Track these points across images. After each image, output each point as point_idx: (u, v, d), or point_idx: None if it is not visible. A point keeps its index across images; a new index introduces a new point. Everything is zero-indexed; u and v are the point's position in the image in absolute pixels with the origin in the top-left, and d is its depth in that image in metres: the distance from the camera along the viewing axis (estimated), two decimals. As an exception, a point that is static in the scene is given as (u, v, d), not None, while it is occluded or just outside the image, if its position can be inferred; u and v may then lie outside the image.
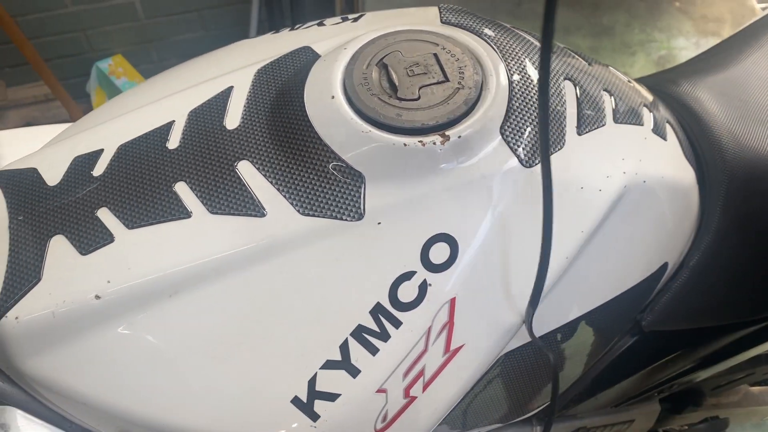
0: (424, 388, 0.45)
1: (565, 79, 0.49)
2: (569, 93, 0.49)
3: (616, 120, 0.51)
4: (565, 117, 0.47)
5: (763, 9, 2.70)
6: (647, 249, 0.56)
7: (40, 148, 0.55)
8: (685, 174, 0.57)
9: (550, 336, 0.54)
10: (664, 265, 0.58)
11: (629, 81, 0.58)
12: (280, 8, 1.84)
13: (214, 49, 0.60)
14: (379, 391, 0.43)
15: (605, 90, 0.52)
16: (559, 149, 0.46)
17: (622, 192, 0.48)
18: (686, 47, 2.55)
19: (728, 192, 0.60)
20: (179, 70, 0.57)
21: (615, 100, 0.52)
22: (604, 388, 0.68)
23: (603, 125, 0.49)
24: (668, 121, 0.58)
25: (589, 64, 0.54)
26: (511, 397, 0.60)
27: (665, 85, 0.67)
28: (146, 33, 1.90)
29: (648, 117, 0.54)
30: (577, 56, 0.54)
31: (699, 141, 0.61)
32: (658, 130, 0.55)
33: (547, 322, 0.52)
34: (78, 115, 1.73)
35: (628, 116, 0.52)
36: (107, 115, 0.54)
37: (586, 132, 0.48)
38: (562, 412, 0.69)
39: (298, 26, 0.58)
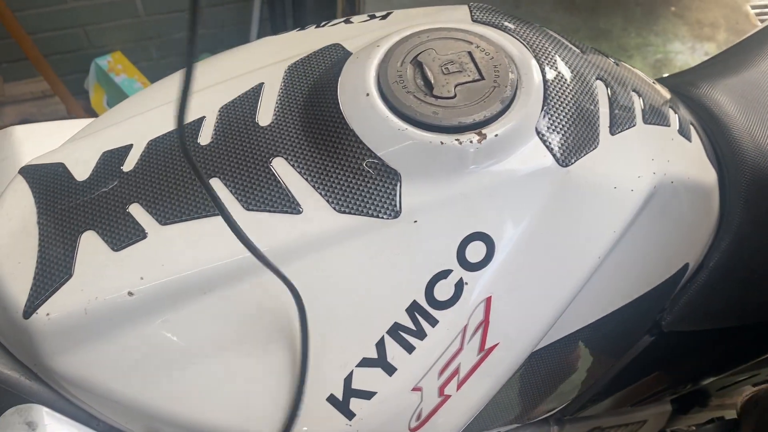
0: (459, 386, 0.45)
1: (596, 79, 0.49)
2: (601, 93, 0.49)
3: (645, 120, 0.51)
4: (598, 117, 0.47)
5: (757, 15, 2.73)
6: (670, 249, 0.56)
7: (63, 143, 0.54)
8: (708, 175, 0.57)
9: (573, 337, 0.54)
10: (685, 266, 0.59)
11: (653, 82, 0.58)
12: (282, 7, 1.83)
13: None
14: (415, 389, 0.43)
15: (634, 90, 0.52)
16: (593, 149, 0.46)
17: (652, 192, 0.49)
18: (682, 51, 2.57)
19: (748, 193, 0.60)
20: (204, 67, 0.57)
21: (643, 100, 0.52)
22: (622, 387, 0.69)
23: (633, 125, 0.49)
24: (691, 123, 0.58)
25: (617, 65, 0.54)
26: (531, 397, 0.60)
27: (684, 87, 0.67)
28: (146, 30, 1.89)
29: (674, 118, 0.55)
30: (605, 57, 0.54)
31: (719, 143, 0.62)
32: (683, 131, 0.55)
33: (573, 321, 0.52)
34: (77, 111, 1.71)
35: (656, 117, 0.52)
36: (132, 110, 0.53)
37: (619, 132, 0.48)
38: (578, 412, 0.69)
39: (324, 23, 0.58)
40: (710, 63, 0.75)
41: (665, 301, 0.61)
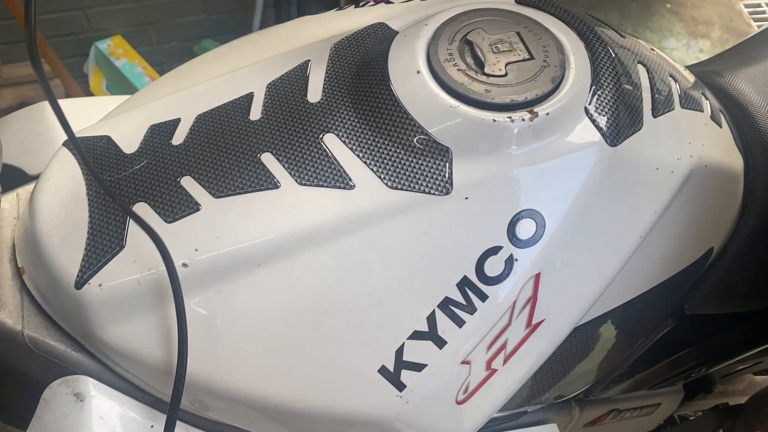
0: (505, 360, 0.46)
1: (637, 62, 0.50)
2: (643, 76, 0.50)
3: (682, 105, 0.52)
4: (641, 99, 0.48)
5: (750, 13, 2.76)
6: (698, 233, 0.57)
7: (101, 117, 0.54)
8: (736, 160, 0.58)
9: (604, 317, 0.55)
10: (710, 250, 0.60)
11: (684, 69, 0.59)
12: (286, -7, 1.83)
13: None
14: (464, 362, 0.44)
15: (670, 76, 0.53)
16: (638, 130, 0.47)
17: (688, 175, 0.50)
18: (677, 48, 2.60)
19: None
20: (244, 45, 0.57)
21: (679, 86, 0.53)
22: (642, 370, 0.70)
23: (672, 109, 0.50)
24: (720, 110, 0.60)
25: (652, 51, 0.55)
26: (558, 376, 0.61)
27: (707, 76, 0.68)
28: (147, 14, 1.87)
29: (706, 104, 0.56)
30: (642, 42, 0.55)
31: (744, 130, 0.63)
32: (715, 117, 0.56)
33: (605, 302, 0.53)
34: (77, 94, 1.69)
35: (691, 102, 0.53)
36: (173, 86, 0.53)
37: (660, 114, 0.49)
38: (599, 394, 0.70)
39: (362, 3, 0.58)
40: (730, 54, 0.76)
41: (689, 284, 0.62)
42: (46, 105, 0.60)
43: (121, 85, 1.78)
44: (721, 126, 0.57)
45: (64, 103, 0.62)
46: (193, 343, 0.43)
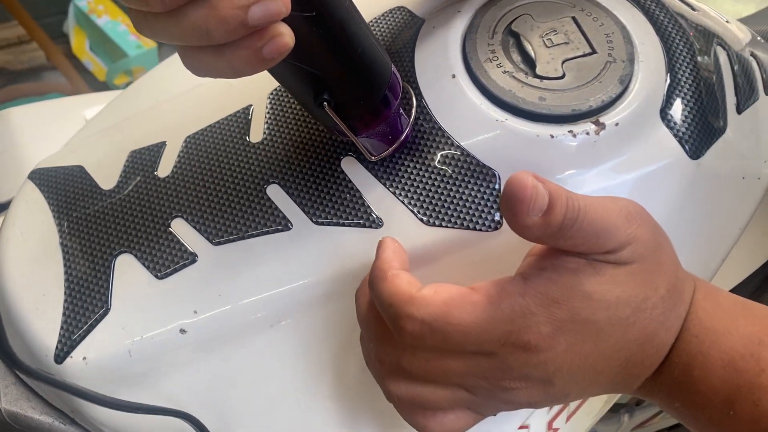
0: (568, 418, 0.39)
1: (716, 44, 0.41)
2: (724, 63, 0.41)
3: (766, 91, 0.43)
4: (724, 93, 0.39)
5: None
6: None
7: (75, 134, 0.46)
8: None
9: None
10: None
11: (759, 37, 0.50)
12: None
13: None
14: (522, 427, 0.37)
15: (751, 55, 0.44)
16: (722, 133, 0.38)
17: None
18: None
19: None
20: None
21: (759, 65, 0.44)
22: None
23: (757, 99, 0.42)
24: None
25: (728, 23, 0.46)
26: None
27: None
28: (126, -35, 1.73)
29: None
30: (712, 12, 0.45)
31: None
32: None
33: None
34: (57, 57, 1.58)
35: None
36: (157, 93, 0.45)
37: (745, 109, 0.40)
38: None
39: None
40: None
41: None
42: (9, 113, 0.52)
43: (104, 45, 1.66)
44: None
45: (29, 110, 0.54)
46: (191, 413, 0.36)
